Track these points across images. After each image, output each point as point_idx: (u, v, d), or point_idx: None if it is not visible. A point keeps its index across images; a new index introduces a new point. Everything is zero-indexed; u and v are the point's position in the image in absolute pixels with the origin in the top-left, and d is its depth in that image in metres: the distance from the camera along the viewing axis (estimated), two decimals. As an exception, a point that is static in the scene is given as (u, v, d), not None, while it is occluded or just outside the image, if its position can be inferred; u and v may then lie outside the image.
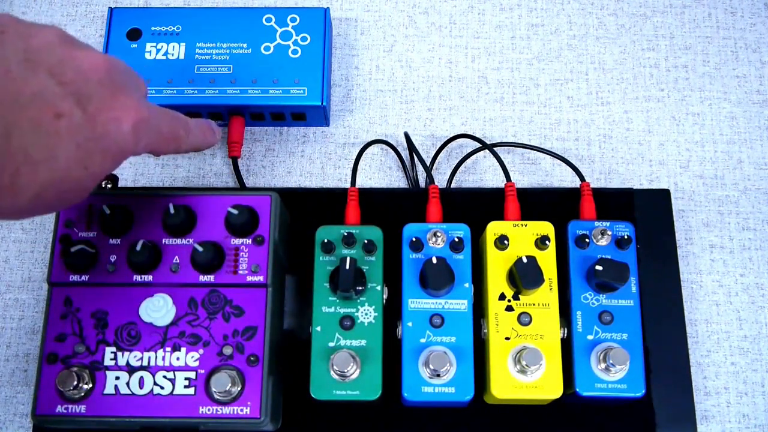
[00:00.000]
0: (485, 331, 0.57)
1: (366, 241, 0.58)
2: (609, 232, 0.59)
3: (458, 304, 0.57)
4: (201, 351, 0.55)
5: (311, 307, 0.57)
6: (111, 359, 0.55)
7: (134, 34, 0.69)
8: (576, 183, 0.65)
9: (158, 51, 0.68)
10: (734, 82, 0.72)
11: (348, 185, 0.68)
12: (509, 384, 0.55)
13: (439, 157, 0.69)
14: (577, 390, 0.56)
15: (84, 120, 0.43)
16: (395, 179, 0.69)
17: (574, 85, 0.72)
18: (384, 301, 0.57)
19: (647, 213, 0.65)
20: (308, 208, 0.65)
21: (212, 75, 0.67)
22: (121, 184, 0.67)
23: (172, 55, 0.68)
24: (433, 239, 0.58)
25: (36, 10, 0.75)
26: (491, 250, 0.58)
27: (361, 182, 0.69)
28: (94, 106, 0.44)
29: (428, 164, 0.68)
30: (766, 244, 0.67)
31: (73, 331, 0.55)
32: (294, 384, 0.60)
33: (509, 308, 0.57)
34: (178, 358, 0.55)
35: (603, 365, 0.55)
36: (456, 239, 0.57)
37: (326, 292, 0.57)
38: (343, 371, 0.54)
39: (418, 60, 0.73)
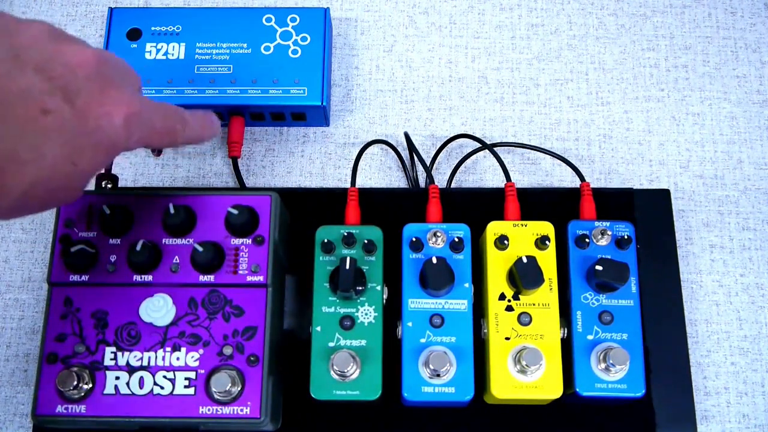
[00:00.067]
0: (485, 331, 0.57)
1: (366, 241, 0.58)
2: (609, 232, 0.59)
3: (458, 304, 0.57)
4: (201, 351, 0.55)
5: (311, 307, 0.57)
6: (111, 359, 0.55)
7: (134, 34, 0.69)
8: (576, 183, 0.65)
9: (158, 51, 0.68)
10: (734, 82, 0.72)
11: (348, 185, 0.68)
12: (509, 384, 0.55)
13: (439, 157, 0.69)
14: (577, 390, 0.56)
15: (72, 115, 0.43)
16: (395, 179, 0.69)
17: (574, 85, 0.72)
18: (384, 301, 0.57)
19: (647, 213, 0.65)
20: (308, 208, 0.65)
21: (212, 75, 0.67)
22: (121, 184, 0.67)
23: (172, 55, 0.68)
24: (433, 239, 0.58)
25: (36, 10, 0.75)
26: (491, 250, 0.58)
27: (361, 182, 0.69)
28: (83, 101, 0.43)
29: (428, 164, 0.68)
30: (766, 244, 0.67)
31: (73, 331, 0.55)
32: (294, 384, 0.60)
33: (509, 308, 0.57)
34: (178, 358, 0.55)
35: (603, 365, 0.55)
36: (456, 239, 0.57)
37: (326, 292, 0.57)
38: (343, 371, 0.54)
39: (418, 60, 0.73)
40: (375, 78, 0.73)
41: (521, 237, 0.58)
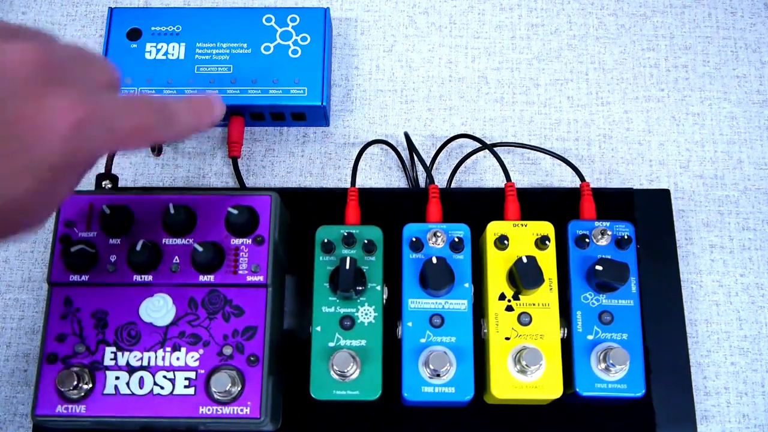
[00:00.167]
0: (485, 331, 0.57)
1: (366, 241, 0.58)
2: (609, 232, 0.59)
3: (458, 304, 0.57)
4: (201, 351, 0.55)
5: (311, 307, 0.57)
6: (111, 359, 0.55)
7: (134, 34, 0.69)
8: (576, 183, 0.65)
9: (158, 51, 0.68)
10: (734, 82, 0.72)
11: (348, 185, 0.68)
12: (509, 384, 0.55)
13: (439, 157, 0.69)
14: (577, 390, 0.56)
15: None
16: (395, 179, 0.69)
17: (574, 85, 0.72)
18: (384, 301, 0.57)
19: (647, 213, 0.65)
20: (308, 208, 0.65)
21: (212, 75, 0.67)
22: (121, 184, 0.67)
23: (172, 55, 0.68)
24: (433, 239, 0.58)
25: (36, 10, 0.75)
26: (491, 250, 0.58)
27: (361, 182, 0.69)
28: (14, 111, 0.36)
29: (428, 164, 0.68)
30: (766, 244, 0.67)
31: (73, 331, 0.55)
32: (294, 384, 0.60)
33: (509, 308, 0.57)
34: (178, 358, 0.55)
35: (603, 365, 0.55)
36: (456, 239, 0.57)
37: (326, 292, 0.57)
38: (343, 371, 0.54)
39: (418, 60, 0.73)
40: (375, 78, 0.73)
41: (521, 237, 0.58)
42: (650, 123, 0.71)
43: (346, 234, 0.58)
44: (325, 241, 0.57)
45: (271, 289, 0.56)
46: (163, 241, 0.57)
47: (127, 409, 0.53)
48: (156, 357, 0.55)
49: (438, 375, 0.55)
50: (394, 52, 0.74)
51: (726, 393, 0.63)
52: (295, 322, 0.62)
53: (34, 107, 0.37)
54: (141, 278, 0.56)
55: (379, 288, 0.57)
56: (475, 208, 0.64)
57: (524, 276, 0.55)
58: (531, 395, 0.55)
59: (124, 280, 0.56)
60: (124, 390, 0.54)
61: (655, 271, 0.63)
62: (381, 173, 0.70)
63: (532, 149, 0.69)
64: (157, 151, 0.69)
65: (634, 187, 0.67)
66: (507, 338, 0.56)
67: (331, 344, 0.56)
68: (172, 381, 0.54)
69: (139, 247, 0.55)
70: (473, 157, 0.69)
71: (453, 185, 0.68)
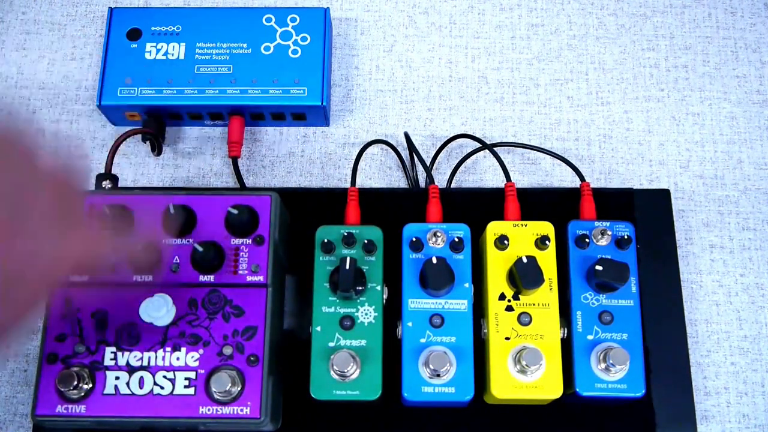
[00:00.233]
0: (485, 331, 0.57)
1: (366, 241, 0.58)
2: (609, 232, 0.59)
3: (458, 304, 0.57)
4: (201, 351, 0.55)
5: (311, 307, 0.57)
6: (111, 359, 0.55)
7: (134, 34, 0.69)
8: (576, 183, 0.65)
9: (158, 51, 0.68)
10: (734, 82, 0.72)
11: (348, 185, 0.68)
12: (509, 384, 0.55)
13: (439, 157, 0.69)
14: (577, 390, 0.56)
15: None
16: (395, 179, 0.69)
17: (574, 85, 0.72)
18: (384, 301, 0.57)
19: (647, 213, 0.65)
20: (308, 208, 0.65)
21: (212, 75, 0.67)
22: (121, 184, 0.67)
23: (172, 55, 0.68)
24: (433, 239, 0.58)
25: (36, 9, 0.75)
26: (491, 250, 0.58)
27: (361, 182, 0.69)
28: None
29: (428, 164, 0.68)
30: (766, 244, 0.67)
31: (73, 331, 0.55)
32: (294, 384, 0.60)
33: (509, 308, 0.57)
34: (178, 358, 0.55)
35: (603, 365, 0.55)
36: (456, 239, 0.57)
37: (326, 292, 0.57)
38: (343, 371, 0.54)
39: (418, 60, 0.73)
40: (375, 78, 0.73)
41: (521, 237, 0.58)
42: (650, 123, 0.71)
43: (346, 234, 0.58)
44: (325, 241, 0.57)
45: (271, 289, 0.56)
46: (163, 241, 0.57)
47: (127, 409, 0.53)
48: (156, 357, 0.55)
49: (438, 375, 0.55)
50: (394, 52, 0.74)
51: (726, 393, 0.63)
52: (295, 322, 0.62)
53: None
54: (141, 278, 0.56)
55: (379, 288, 0.57)
56: (475, 208, 0.64)
57: (524, 276, 0.55)
58: (531, 395, 0.55)
59: (124, 280, 0.56)
60: (124, 390, 0.54)
61: (655, 271, 0.63)
62: (381, 173, 0.70)
63: (532, 149, 0.69)
64: (157, 151, 0.69)
65: (634, 187, 0.67)
66: (507, 338, 0.56)
67: (331, 344, 0.56)
68: (172, 381, 0.54)
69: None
70: (473, 157, 0.69)
71: (453, 185, 0.68)
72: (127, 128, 0.69)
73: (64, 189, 0.38)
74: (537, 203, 0.65)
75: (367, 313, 0.57)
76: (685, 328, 0.62)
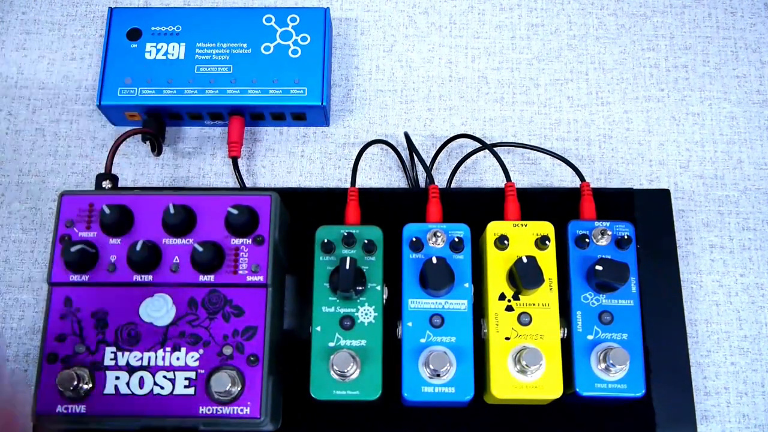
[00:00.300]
0: (485, 331, 0.57)
1: (366, 241, 0.58)
2: (609, 232, 0.59)
3: (458, 304, 0.57)
4: (201, 351, 0.55)
5: (311, 307, 0.57)
6: (111, 359, 0.55)
7: (134, 34, 0.69)
8: (576, 183, 0.65)
9: (158, 51, 0.68)
10: (734, 82, 0.72)
11: (348, 185, 0.68)
12: (509, 384, 0.55)
13: (439, 157, 0.69)
14: (577, 390, 0.56)
15: None
16: (395, 179, 0.69)
17: (574, 85, 0.72)
18: (384, 301, 0.57)
19: (647, 213, 0.65)
20: (308, 208, 0.65)
21: (212, 75, 0.67)
22: (121, 184, 0.67)
23: (172, 55, 0.68)
24: (433, 239, 0.58)
25: (36, 9, 0.75)
26: (491, 250, 0.58)
27: (361, 182, 0.69)
28: None
29: (428, 164, 0.68)
30: (766, 244, 0.67)
31: (73, 331, 0.55)
32: (294, 384, 0.60)
33: (509, 308, 0.57)
34: (178, 358, 0.55)
35: (603, 365, 0.55)
36: (456, 239, 0.57)
37: (326, 292, 0.57)
38: (343, 371, 0.54)
39: (418, 60, 0.73)
40: (375, 78, 0.73)
41: (521, 237, 0.58)
42: (650, 123, 0.71)
43: (346, 234, 0.58)
44: (325, 241, 0.57)
45: (271, 289, 0.56)
46: (163, 241, 0.57)
47: (127, 409, 0.53)
48: (156, 357, 0.55)
49: (438, 375, 0.55)
50: (394, 52, 0.74)
51: (726, 393, 0.63)
52: (295, 322, 0.62)
53: None
54: (141, 278, 0.56)
55: (379, 288, 0.57)
56: (475, 208, 0.64)
57: (524, 276, 0.55)
58: (531, 395, 0.55)
59: (124, 280, 0.56)
60: (124, 390, 0.54)
61: (655, 271, 0.63)
62: (381, 173, 0.70)
63: (532, 149, 0.69)
64: (157, 151, 0.69)
65: (634, 187, 0.67)
66: (507, 338, 0.56)
67: (331, 344, 0.56)
68: (172, 381, 0.54)
69: (139, 247, 0.55)
70: (473, 157, 0.69)
71: (453, 185, 0.68)
72: (127, 128, 0.69)
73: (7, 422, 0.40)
74: (537, 203, 0.65)
75: (367, 313, 0.57)
76: (685, 328, 0.62)
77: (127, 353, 0.55)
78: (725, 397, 0.63)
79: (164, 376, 0.54)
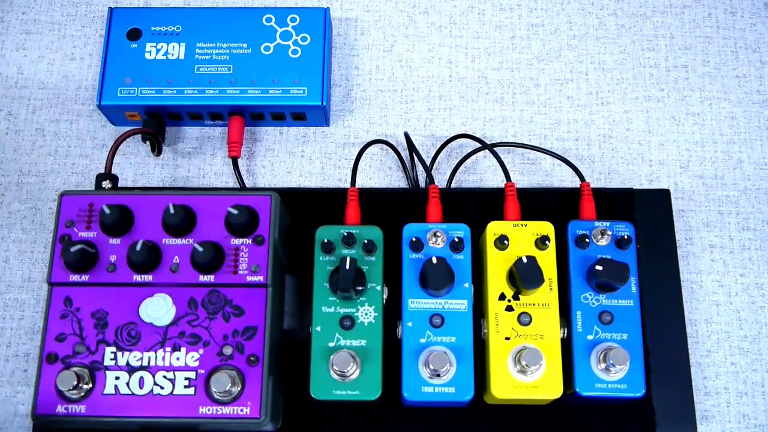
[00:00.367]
0: (485, 331, 0.57)
1: (366, 241, 0.58)
2: (609, 232, 0.59)
3: (458, 304, 0.57)
4: (201, 351, 0.55)
5: (311, 307, 0.57)
6: (111, 359, 0.55)
7: (134, 34, 0.69)
8: (576, 183, 0.65)
9: (158, 51, 0.68)
10: (734, 82, 0.72)
11: (348, 185, 0.68)
12: (509, 384, 0.55)
13: (439, 157, 0.69)
14: (577, 390, 0.56)
15: None
16: (395, 179, 0.69)
17: (574, 85, 0.72)
18: (384, 301, 0.57)
19: (647, 213, 0.65)
20: (308, 208, 0.65)
21: (212, 75, 0.67)
22: (121, 184, 0.67)
23: (172, 55, 0.68)
24: (433, 239, 0.58)
25: (36, 9, 0.75)
26: (491, 250, 0.58)
27: (361, 182, 0.69)
28: None
29: (428, 164, 0.68)
30: (766, 244, 0.67)
31: (73, 331, 0.55)
32: (294, 384, 0.60)
33: (509, 308, 0.57)
34: (178, 358, 0.55)
35: (603, 365, 0.55)
36: (456, 239, 0.57)
37: (326, 292, 0.57)
38: (343, 371, 0.54)
39: (418, 60, 0.73)
40: (375, 78, 0.73)
41: (521, 237, 0.58)
42: (650, 123, 0.71)
43: (346, 234, 0.58)
44: (325, 241, 0.57)
45: (271, 289, 0.56)
46: (163, 241, 0.57)
47: (127, 409, 0.53)
48: (156, 357, 0.55)
49: (438, 375, 0.55)
50: (394, 52, 0.74)
51: (726, 393, 0.63)
52: (295, 322, 0.62)
53: None
54: (141, 278, 0.56)
55: (379, 288, 0.57)
56: (475, 208, 0.64)
57: (524, 276, 0.55)
58: (531, 395, 0.55)
59: (124, 280, 0.56)
60: (124, 390, 0.54)
61: (655, 271, 0.63)
62: (381, 173, 0.70)
63: (532, 149, 0.69)
64: (157, 151, 0.69)
65: (634, 187, 0.67)
66: (507, 338, 0.56)
67: (331, 344, 0.56)
68: (172, 381, 0.54)
69: (139, 247, 0.55)
70: (473, 157, 0.69)
71: (453, 185, 0.68)
72: (127, 128, 0.69)
73: None
74: (537, 203, 0.65)
75: (367, 313, 0.57)
76: (685, 328, 0.62)
77: (127, 353, 0.55)
78: (725, 397, 0.63)
79: (164, 376, 0.54)
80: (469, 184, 0.69)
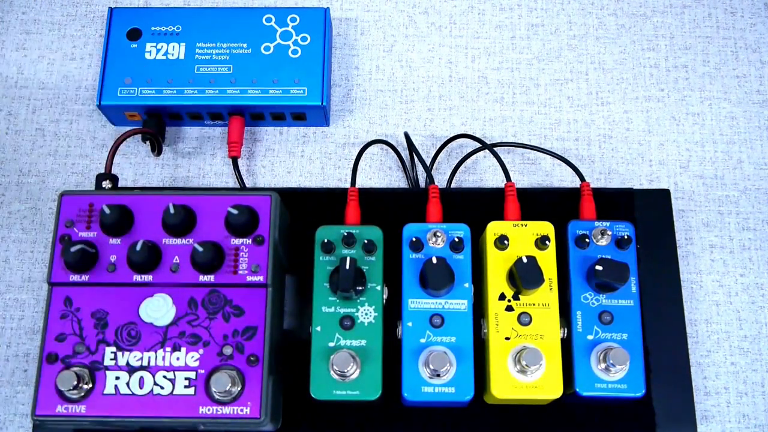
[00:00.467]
0: (485, 331, 0.57)
1: (366, 241, 0.58)
2: (609, 232, 0.59)
3: (458, 304, 0.57)
4: (201, 351, 0.55)
5: (311, 307, 0.57)
6: (111, 359, 0.55)
7: (134, 34, 0.69)
8: (576, 183, 0.65)
9: (158, 51, 0.68)
10: (734, 82, 0.72)
11: (348, 185, 0.68)
12: (509, 384, 0.55)
13: (439, 157, 0.69)
14: (577, 390, 0.56)
15: None
16: (395, 179, 0.69)
17: (574, 85, 0.72)
18: (384, 301, 0.57)
19: (647, 213, 0.65)
20: (308, 208, 0.65)
21: (212, 75, 0.67)
22: (121, 184, 0.67)
23: (172, 55, 0.68)
24: (433, 239, 0.58)
25: (36, 9, 0.75)
26: (491, 250, 0.58)
27: (361, 182, 0.69)
28: None
29: (428, 164, 0.68)
30: (766, 244, 0.67)
31: (73, 331, 0.55)
32: (294, 384, 0.60)
33: (509, 308, 0.57)
34: (178, 358, 0.55)
35: (603, 365, 0.55)
36: (456, 239, 0.57)
37: (326, 292, 0.57)
38: (343, 371, 0.54)
39: (418, 60, 0.73)
40: (375, 78, 0.73)
41: (521, 237, 0.58)
42: (650, 123, 0.71)
43: (346, 234, 0.58)
44: (325, 241, 0.57)
45: (271, 289, 0.56)
46: (163, 241, 0.57)
47: (127, 409, 0.53)
48: (156, 357, 0.55)
49: (438, 375, 0.55)
50: (394, 52, 0.74)
51: (726, 393, 0.63)
52: (295, 322, 0.62)
53: None
54: (141, 278, 0.56)
55: (379, 288, 0.57)
56: (475, 208, 0.64)
57: (524, 276, 0.55)
58: (531, 395, 0.55)
59: (124, 280, 0.56)
60: (124, 390, 0.54)
61: (655, 271, 0.63)
62: (381, 173, 0.70)
63: (532, 149, 0.69)
64: (157, 151, 0.69)
65: (634, 187, 0.67)
66: (507, 338, 0.56)
67: (331, 344, 0.56)
68: (172, 381, 0.54)
69: (139, 247, 0.55)
70: (473, 157, 0.69)
71: (453, 185, 0.68)
72: (127, 128, 0.69)
73: None
74: (537, 203, 0.65)
75: (367, 313, 0.57)
76: (685, 328, 0.62)
77: (127, 353, 0.55)
78: (725, 397, 0.63)
79: (164, 376, 0.54)
80: (469, 184, 0.69)
